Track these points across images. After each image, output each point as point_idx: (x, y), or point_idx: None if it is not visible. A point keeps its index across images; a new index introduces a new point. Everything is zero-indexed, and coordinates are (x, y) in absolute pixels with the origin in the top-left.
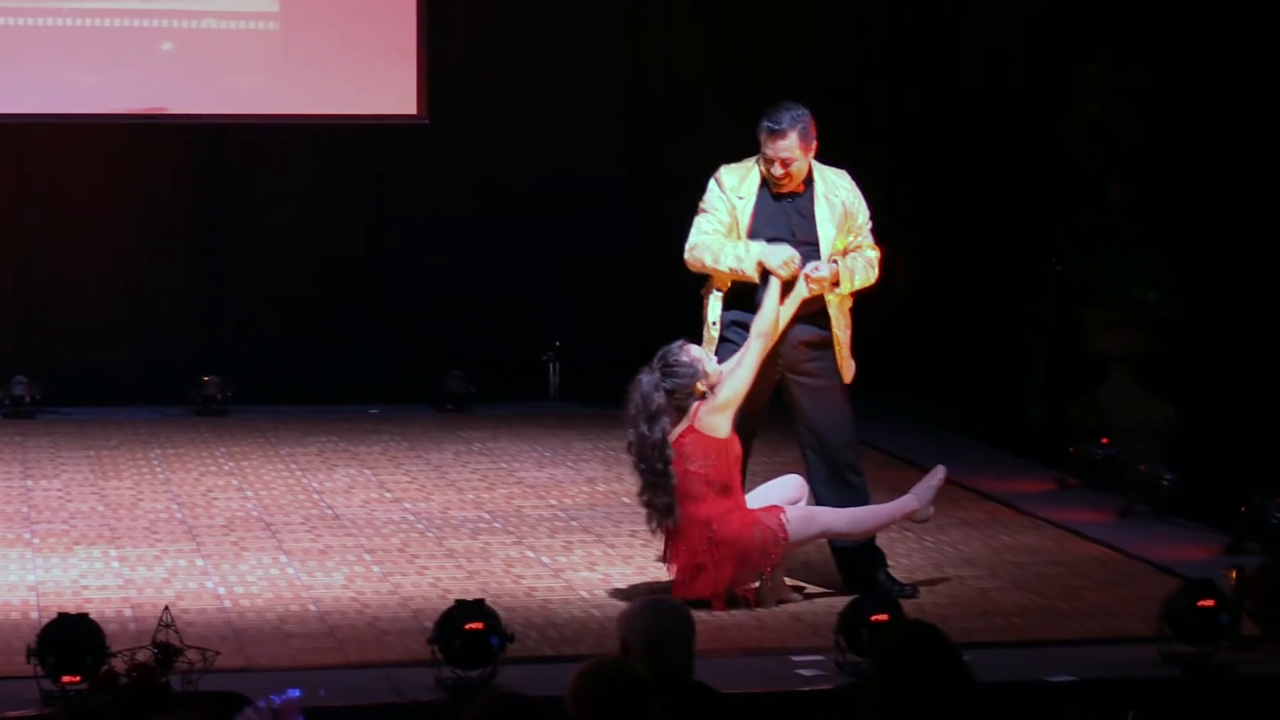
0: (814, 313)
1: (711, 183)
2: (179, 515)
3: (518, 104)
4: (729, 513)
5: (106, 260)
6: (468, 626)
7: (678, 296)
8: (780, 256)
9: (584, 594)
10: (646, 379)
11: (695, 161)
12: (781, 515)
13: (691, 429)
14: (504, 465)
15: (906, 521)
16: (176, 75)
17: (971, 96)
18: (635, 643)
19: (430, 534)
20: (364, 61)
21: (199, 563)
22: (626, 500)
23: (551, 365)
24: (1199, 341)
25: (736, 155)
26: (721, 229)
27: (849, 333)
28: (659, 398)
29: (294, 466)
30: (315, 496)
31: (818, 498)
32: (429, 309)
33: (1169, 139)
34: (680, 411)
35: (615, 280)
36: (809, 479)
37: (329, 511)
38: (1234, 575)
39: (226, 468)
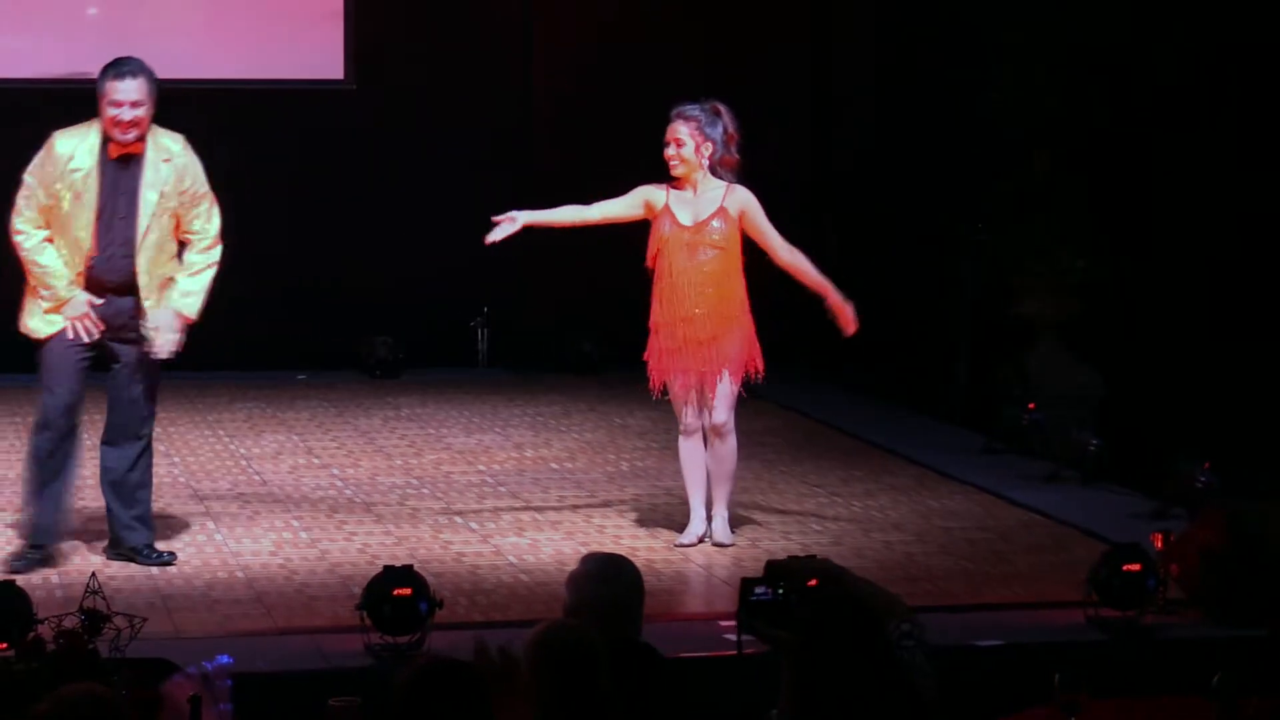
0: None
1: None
2: None
3: (442, 68)
4: None
5: None
6: (396, 593)
7: (605, 262)
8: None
9: (512, 559)
10: None
11: (621, 131)
12: None
13: None
14: (432, 431)
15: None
16: (101, 40)
17: (896, 63)
18: (584, 605)
19: (358, 500)
20: (291, 26)
21: None
22: (554, 466)
23: (480, 330)
24: (1125, 308)
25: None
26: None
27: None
28: None
29: (221, 433)
30: (243, 463)
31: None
32: (357, 274)
33: (1090, 107)
34: None
35: (543, 245)
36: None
37: (256, 478)
38: (1160, 540)
39: (154, 434)
